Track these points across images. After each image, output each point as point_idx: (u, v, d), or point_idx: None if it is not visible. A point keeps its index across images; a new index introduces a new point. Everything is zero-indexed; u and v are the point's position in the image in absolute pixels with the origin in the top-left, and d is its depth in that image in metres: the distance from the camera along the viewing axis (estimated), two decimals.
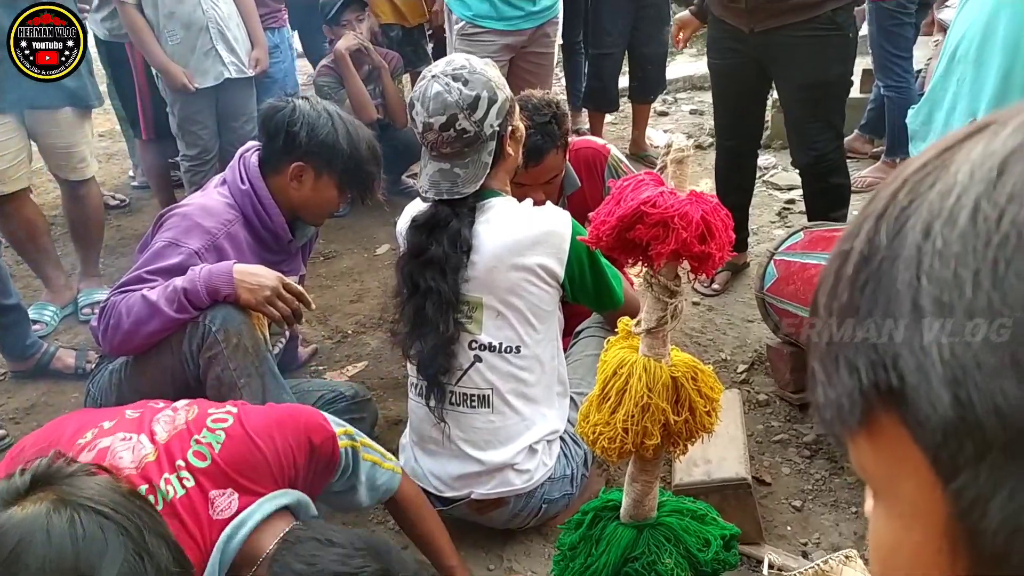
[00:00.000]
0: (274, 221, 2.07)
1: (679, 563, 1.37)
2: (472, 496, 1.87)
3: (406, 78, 4.19)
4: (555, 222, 1.81)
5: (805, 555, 1.88)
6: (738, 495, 1.85)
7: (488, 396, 1.84)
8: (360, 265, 3.47)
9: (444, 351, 1.80)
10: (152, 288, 1.84)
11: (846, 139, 3.96)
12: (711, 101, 3.05)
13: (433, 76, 1.77)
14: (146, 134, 3.50)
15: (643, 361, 1.30)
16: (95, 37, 3.47)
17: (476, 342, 1.83)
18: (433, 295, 1.79)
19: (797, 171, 2.91)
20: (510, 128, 1.83)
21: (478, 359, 1.84)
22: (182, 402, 1.59)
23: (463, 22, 3.13)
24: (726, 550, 1.43)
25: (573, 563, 1.47)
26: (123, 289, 1.88)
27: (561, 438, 1.94)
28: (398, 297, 1.90)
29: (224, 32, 3.19)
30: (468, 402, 1.86)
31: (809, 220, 2.83)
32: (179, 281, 1.82)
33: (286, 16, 3.77)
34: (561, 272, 1.81)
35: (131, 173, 4.40)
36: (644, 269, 1.29)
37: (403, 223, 1.95)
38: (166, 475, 1.36)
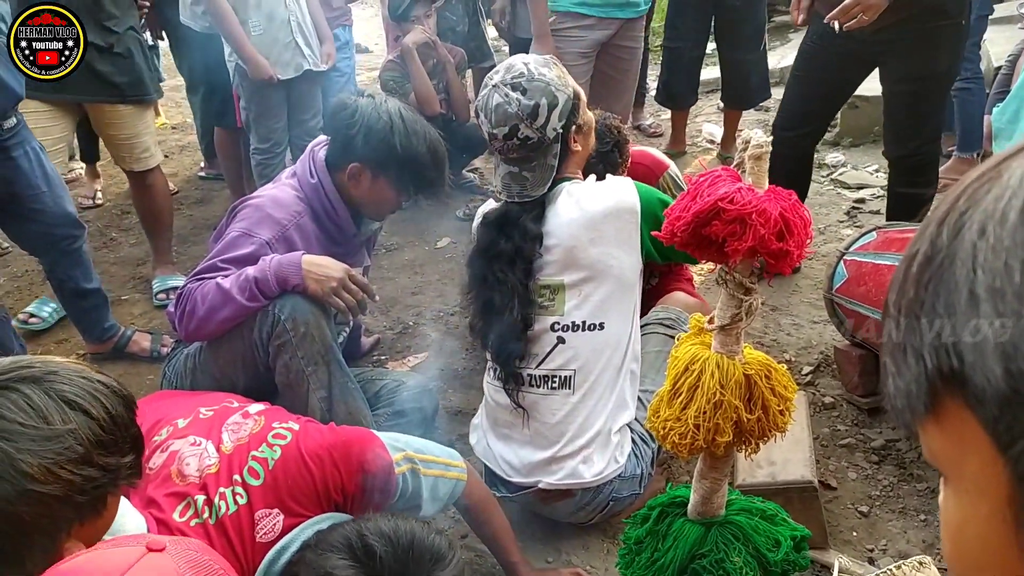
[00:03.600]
0: (340, 215, 2.12)
1: (748, 562, 1.36)
2: (540, 485, 1.87)
3: (469, 72, 4.22)
4: (620, 189, 1.85)
5: (871, 561, 1.84)
6: (803, 498, 1.82)
7: (570, 377, 1.85)
8: (421, 258, 3.51)
9: (513, 338, 1.83)
10: (226, 276, 1.89)
11: None
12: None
13: (494, 86, 1.81)
14: (240, 123, 3.54)
15: (716, 358, 1.29)
16: (190, 30, 3.54)
17: (559, 324, 1.85)
18: (501, 286, 1.83)
19: (869, 170, 2.82)
20: (574, 126, 1.85)
21: (561, 340, 1.85)
22: (255, 407, 1.63)
23: (553, 16, 3.06)
24: (796, 551, 1.41)
25: (639, 557, 1.46)
26: (199, 277, 1.94)
27: (632, 439, 1.93)
28: (469, 293, 1.93)
29: (302, 26, 3.27)
30: (549, 383, 1.87)
31: (888, 219, 2.74)
32: (251, 270, 1.87)
33: (351, 17, 3.85)
34: (637, 233, 1.82)
35: (201, 164, 4.52)
36: (719, 266, 1.28)
37: (477, 221, 2.02)
38: (222, 489, 1.40)
